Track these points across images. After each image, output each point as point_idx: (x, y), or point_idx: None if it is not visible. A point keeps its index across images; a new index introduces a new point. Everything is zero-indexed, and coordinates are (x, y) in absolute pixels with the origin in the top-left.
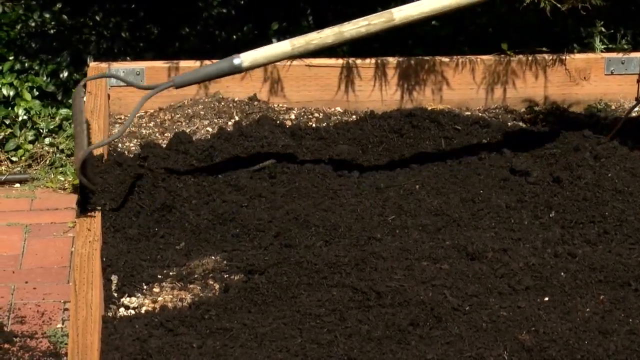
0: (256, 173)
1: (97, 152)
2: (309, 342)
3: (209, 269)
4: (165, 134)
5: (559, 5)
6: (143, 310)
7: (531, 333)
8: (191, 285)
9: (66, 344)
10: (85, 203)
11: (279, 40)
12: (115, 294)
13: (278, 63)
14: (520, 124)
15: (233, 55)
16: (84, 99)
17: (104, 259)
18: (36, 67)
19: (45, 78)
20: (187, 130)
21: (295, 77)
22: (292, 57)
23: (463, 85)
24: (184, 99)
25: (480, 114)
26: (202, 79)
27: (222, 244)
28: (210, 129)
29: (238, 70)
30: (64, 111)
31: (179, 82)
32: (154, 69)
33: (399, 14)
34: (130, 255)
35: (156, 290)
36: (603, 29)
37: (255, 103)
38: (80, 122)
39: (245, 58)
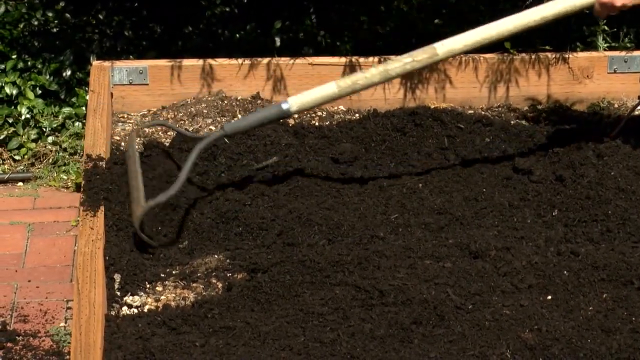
0: (259, 172)
1: (98, 152)
2: (312, 341)
3: (212, 268)
4: (168, 133)
5: None
6: (146, 309)
7: (534, 331)
8: (194, 284)
9: (69, 342)
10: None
11: (281, 38)
12: (118, 293)
13: (281, 61)
14: (523, 122)
15: (281, 101)
16: (137, 148)
17: (107, 258)
18: (39, 66)
19: (48, 77)
20: (190, 129)
21: (298, 76)
22: (339, 97)
23: (466, 84)
24: (187, 97)
25: (483, 113)
26: (252, 124)
27: (225, 243)
28: (213, 128)
29: (287, 115)
30: (66, 110)
31: (230, 129)
32: (157, 67)
33: (442, 49)
34: (133, 254)
35: (159, 289)
36: (606, 28)
37: (258, 101)
38: (135, 176)
39: (293, 103)
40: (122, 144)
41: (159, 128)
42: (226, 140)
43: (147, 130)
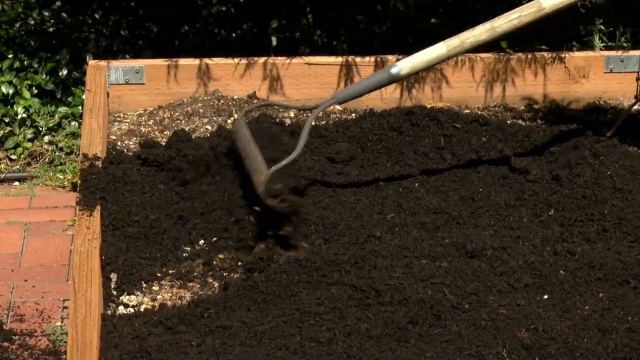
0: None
1: (94, 151)
2: (308, 340)
3: (208, 267)
4: (165, 132)
5: None
6: (142, 308)
7: (530, 331)
8: (190, 284)
9: (65, 342)
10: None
11: (278, 38)
12: (115, 292)
13: (277, 60)
14: (520, 122)
15: (390, 65)
16: (246, 127)
17: (103, 257)
18: (35, 65)
19: (44, 76)
20: (187, 129)
21: (295, 75)
22: (448, 58)
23: (462, 84)
24: (184, 97)
25: (479, 112)
26: (362, 91)
27: (221, 242)
28: (209, 127)
29: (397, 78)
30: (63, 109)
31: (341, 97)
32: (154, 67)
33: (548, 3)
34: (130, 254)
35: (155, 288)
36: (602, 27)
37: (255, 101)
38: (251, 149)
39: (404, 65)
40: (119, 143)
41: (155, 128)
42: (222, 138)
43: (143, 129)
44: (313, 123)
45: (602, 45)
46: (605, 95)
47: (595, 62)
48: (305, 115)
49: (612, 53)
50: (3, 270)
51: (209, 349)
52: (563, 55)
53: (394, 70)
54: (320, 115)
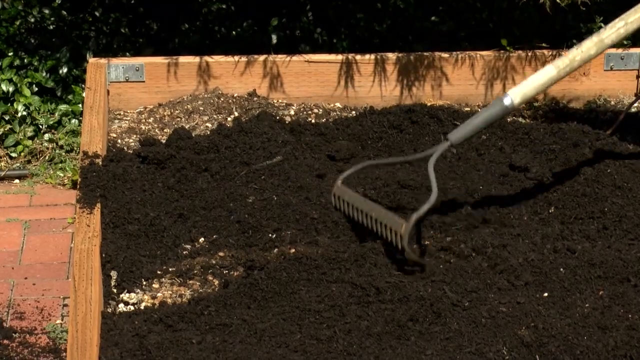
0: (258, 169)
1: (94, 149)
2: (309, 338)
3: (208, 265)
4: (165, 130)
5: (558, 1)
6: (142, 306)
7: (530, 328)
8: (190, 281)
9: (65, 339)
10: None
11: (278, 36)
12: (115, 290)
13: (277, 58)
14: (520, 119)
15: (500, 97)
16: (350, 191)
17: (104, 255)
18: (35, 63)
19: (44, 74)
20: (187, 126)
21: (295, 73)
22: (559, 79)
23: (462, 81)
24: (184, 94)
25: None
26: (477, 130)
27: (221, 239)
28: (209, 125)
29: (512, 109)
30: (63, 107)
31: (455, 139)
32: (154, 64)
33: None
34: (130, 251)
35: (155, 286)
36: (602, 25)
37: (255, 99)
38: (371, 207)
39: (515, 95)
40: (119, 141)
41: (155, 126)
42: (222, 136)
43: (143, 127)
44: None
45: None
46: (605, 93)
47: (596, 59)
48: (304, 116)
49: (613, 51)
50: (3, 268)
51: (209, 346)
52: (563, 53)
53: (506, 102)
54: (320, 113)
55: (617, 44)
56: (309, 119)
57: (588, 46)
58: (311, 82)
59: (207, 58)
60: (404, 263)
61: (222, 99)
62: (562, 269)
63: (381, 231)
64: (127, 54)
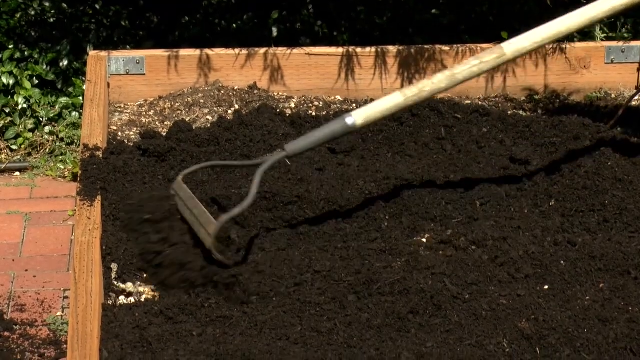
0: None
1: (94, 142)
2: (309, 330)
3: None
4: (165, 123)
5: None
6: (143, 298)
7: (531, 321)
8: None
9: (66, 332)
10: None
11: (278, 29)
12: (115, 282)
13: (278, 51)
14: (520, 112)
15: (344, 116)
16: (186, 188)
17: (104, 247)
18: (36, 56)
19: (45, 67)
20: (187, 119)
21: (296, 66)
22: (405, 107)
23: None
24: (184, 87)
25: (480, 103)
26: (314, 144)
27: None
28: (210, 118)
29: (353, 129)
30: (63, 100)
31: (292, 150)
32: (154, 57)
33: (510, 48)
34: (130, 244)
35: None
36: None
37: (255, 91)
38: (196, 205)
39: (358, 117)
40: (119, 133)
41: (156, 118)
42: (223, 129)
43: (143, 120)
44: (262, 175)
45: (603, 36)
46: (606, 86)
47: (596, 52)
48: (304, 109)
49: (613, 44)
50: (4, 260)
51: (210, 338)
52: (564, 46)
53: (349, 122)
54: (320, 106)
55: (618, 37)
56: (310, 112)
57: (440, 79)
58: (312, 74)
59: (207, 51)
60: None
61: (222, 92)
62: (562, 262)
63: (198, 229)
64: (128, 46)
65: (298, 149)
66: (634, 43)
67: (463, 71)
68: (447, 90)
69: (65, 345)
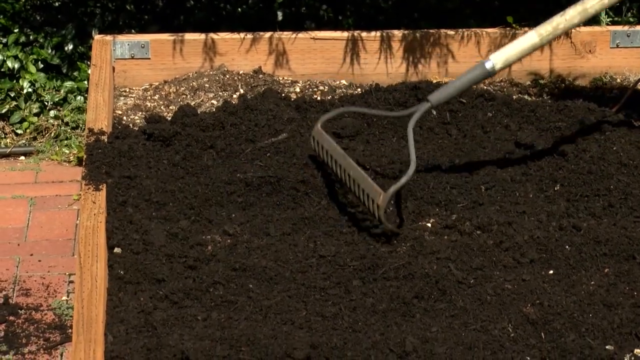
0: (264, 146)
1: (99, 126)
2: (314, 315)
3: (214, 242)
4: (170, 107)
5: None
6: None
7: (536, 306)
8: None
9: (71, 316)
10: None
11: (284, 13)
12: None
13: (283, 35)
14: (526, 97)
15: (483, 61)
16: (330, 139)
17: (109, 232)
18: (41, 40)
19: (50, 51)
20: (192, 103)
21: (301, 50)
22: (542, 46)
23: (468, 58)
24: (189, 72)
25: (485, 87)
26: (458, 92)
27: (228, 217)
28: (215, 102)
29: (493, 73)
30: (68, 84)
31: (436, 100)
32: (159, 41)
33: None
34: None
35: None
36: None
37: (260, 76)
38: (349, 165)
39: (497, 60)
40: (124, 118)
41: (161, 103)
42: (228, 113)
43: (148, 104)
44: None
45: (608, 20)
46: (611, 70)
47: (602, 37)
48: (309, 93)
49: (619, 28)
50: (9, 245)
51: (215, 323)
52: (569, 31)
53: (488, 66)
54: (325, 90)
55: (624, 22)
56: (315, 96)
57: (572, 15)
58: (317, 59)
59: (212, 35)
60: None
61: (227, 76)
62: (567, 247)
63: (359, 194)
64: (133, 31)
65: (442, 98)
66: (639, 27)
67: (594, 4)
68: (578, 25)
69: (70, 330)
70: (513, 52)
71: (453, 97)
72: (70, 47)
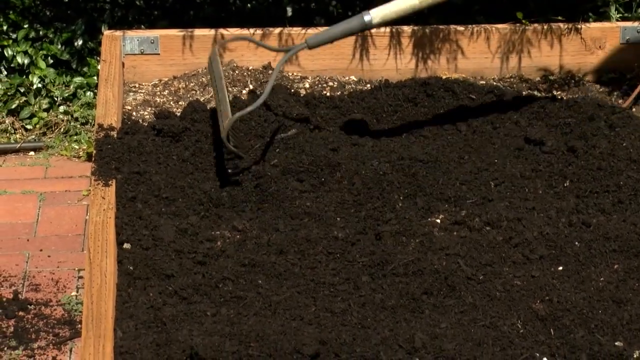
0: (273, 142)
1: (109, 122)
2: (323, 311)
3: (224, 237)
4: (180, 103)
5: None
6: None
7: (545, 302)
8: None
9: (80, 311)
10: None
11: (293, 9)
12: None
13: (292, 31)
14: (535, 93)
15: (362, 13)
16: (220, 64)
17: (118, 227)
18: (51, 35)
19: (59, 46)
20: (202, 99)
21: None
22: (420, 10)
23: (478, 54)
24: (199, 67)
25: (495, 83)
26: (333, 38)
27: (237, 213)
28: None
29: (369, 27)
30: (78, 79)
31: (312, 43)
32: (169, 37)
33: None
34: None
35: None
36: None
37: (270, 72)
38: (221, 88)
39: (375, 14)
40: (134, 113)
41: (170, 98)
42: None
43: (158, 100)
44: (281, 69)
45: (618, 16)
46: (621, 66)
47: (612, 33)
48: (319, 89)
49: (629, 24)
50: (19, 240)
51: (224, 319)
52: (579, 26)
53: (366, 18)
54: (335, 86)
55: (634, 17)
56: (324, 92)
57: None
58: (326, 55)
59: (222, 31)
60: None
61: (237, 72)
62: (577, 243)
63: (219, 116)
64: (142, 26)
65: (318, 41)
66: None
67: None
68: None
69: (79, 325)
70: (392, 10)
71: (329, 42)
72: (80, 42)
